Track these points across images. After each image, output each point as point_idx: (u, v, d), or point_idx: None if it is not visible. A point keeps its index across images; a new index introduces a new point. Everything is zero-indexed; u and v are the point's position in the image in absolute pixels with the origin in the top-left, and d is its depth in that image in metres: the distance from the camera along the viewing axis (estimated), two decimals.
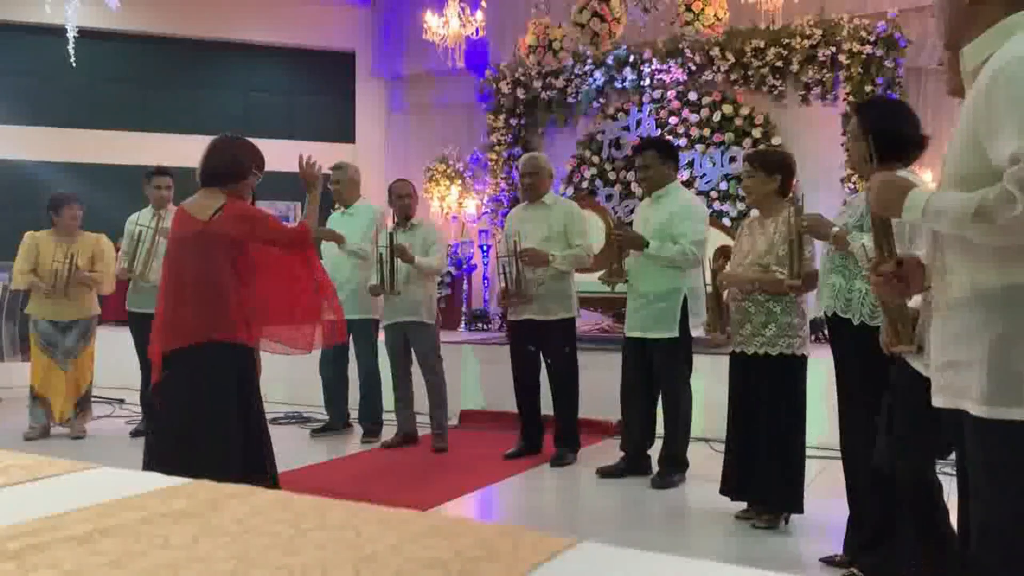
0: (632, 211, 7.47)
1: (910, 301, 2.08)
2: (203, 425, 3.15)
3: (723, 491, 3.70)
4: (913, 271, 1.95)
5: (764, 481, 3.51)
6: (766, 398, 3.50)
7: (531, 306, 4.72)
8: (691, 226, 4.20)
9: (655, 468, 4.35)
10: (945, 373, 1.79)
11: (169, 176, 5.65)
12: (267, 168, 3.54)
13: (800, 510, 3.51)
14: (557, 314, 4.73)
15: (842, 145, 6.52)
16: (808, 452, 3.61)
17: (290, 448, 5.17)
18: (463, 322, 8.38)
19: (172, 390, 3.20)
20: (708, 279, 3.81)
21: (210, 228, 3.20)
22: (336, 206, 5.65)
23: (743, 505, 3.69)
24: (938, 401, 1.83)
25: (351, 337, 5.43)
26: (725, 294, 3.75)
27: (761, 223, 3.61)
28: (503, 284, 4.76)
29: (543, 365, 4.88)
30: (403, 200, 5.21)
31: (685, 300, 4.22)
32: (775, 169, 3.59)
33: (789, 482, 3.49)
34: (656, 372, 4.31)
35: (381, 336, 5.49)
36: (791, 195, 3.63)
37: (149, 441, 3.46)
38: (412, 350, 5.21)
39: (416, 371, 5.25)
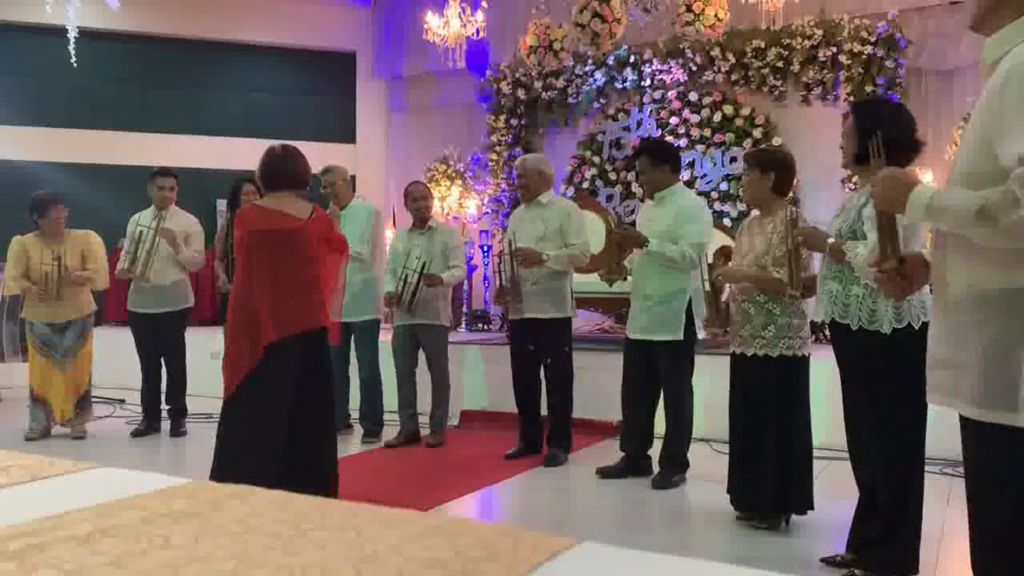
0: (633, 211, 7.48)
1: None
2: (325, 408, 3.55)
3: (729, 493, 3.69)
4: (916, 268, 1.95)
5: (770, 484, 3.49)
6: (768, 400, 3.49)
7: (527, 305, 4.75)
8: (691, 228, 4.20)
9: (655, 468, 4.36)
10: (939, 371, 1.79)
11: (173, 177, 5.64)
12: None
13: (808, 509, 3.50)
14: (552, 314, 4.74)
15: (842, 147, 6.52)
16: None
17: None
18: (464, 322, 8.38)
19: (270, 379, 3.35)
20: (705, 275, 3.82)
21: (311, 226, 3.50)
22: (331, 207, 5.64)
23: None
24: (932, 399, 1.83)
25: (352, 338, 5.44)
26: (725, 293, 3.74)
27: (760, 223, 3.61)
28: (498, 282, 4.81)
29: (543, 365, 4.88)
30: (419, 203, 5.22)
31: (689, 302, 4.22)
32: (769, 167, 3.57)
33: (795, 482, 3.47)
34: (659, 373, 4.31)
35: (382, 337, 5.50)
36: (790, 196, 3.62)
37: (228, 439, 3.43)
38: (421, 351, 5.23)
39: (419, 371, 5.26)
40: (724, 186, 7.48)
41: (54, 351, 5.45)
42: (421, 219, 5.23)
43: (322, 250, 3.56)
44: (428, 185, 5.42)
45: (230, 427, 3.40)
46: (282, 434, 3.36)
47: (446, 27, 7.76)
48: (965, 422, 1.71)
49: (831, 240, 2.95)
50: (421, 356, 5.28)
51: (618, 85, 8.07)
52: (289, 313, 3.40)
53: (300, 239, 3.46)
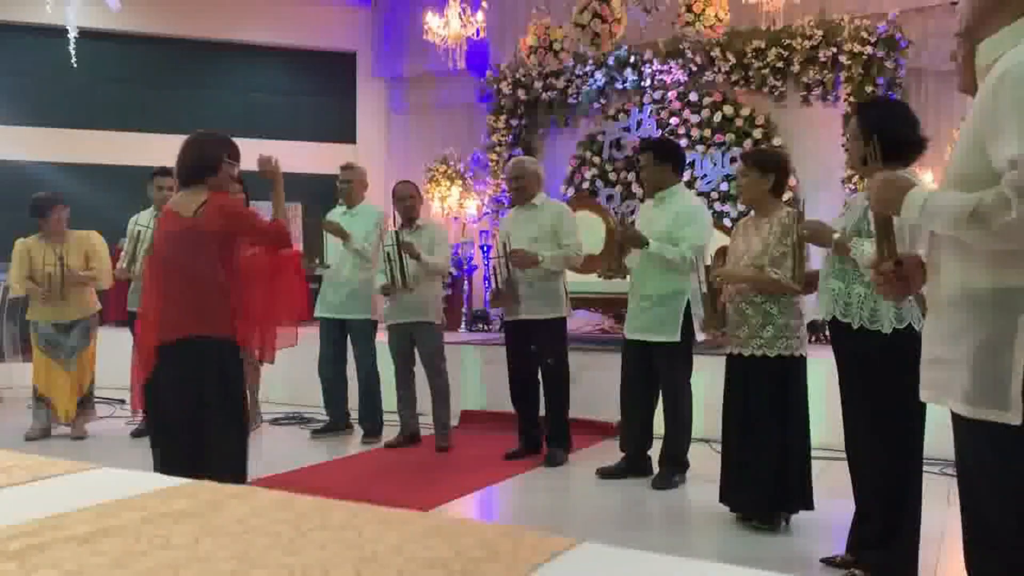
0: (633, 211, 7.48)
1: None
2: (189, 419, 3.20)
3: (723, 500, 3.69)
4: (914, 270, 1.96)
5: (764, 484, 3.50)
6: (765, 400, 3.49)
7: (523, 306, 4.76)
8: (692, 230, 4.20)
9: (655, 469, 4.36)
10: (932, 369, 1.81)
11: (172, 177, 5.64)
12: None
13: (808, 509, 3.50)
14: (546, 314, 4.76)
15: (843, 146, 6.53)
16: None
17: (291, 449, 5.18)
18: (464, 322, 8.38)
19: (161, 385, 3.26)
20: (702, 277, 3.82)
21: (196, 224, 3.24)
22: (340, 202, 5.64)
23: None
24: (924, 396, 1.85)
25: (350, 337, 5.44)
26: (723, 294, 3.75)
27: (756, 223, 3.61)
28: (494, 285, 4.83)
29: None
30: (405, 202, 5.22)
31: (688, 303, 4.22)
32: (769, 168, 3.58)
33: (794, 482, 3.47)
34: (657, 373, 4.31)
35: (380, 337, 5.49)
36: (790, 196, 3.63)
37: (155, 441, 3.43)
38: (416, 350, 5.22)
39: (418, 371, 5.25)
40: (724, 186, 7.48)
41: (58, 351, 5.45)
42: (409, 218, 5.24)
43: (221, 247, 3.26)
44: (416, 184, 5.40)
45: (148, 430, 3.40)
46: (185, 436, 3.19)
47: (446, 27, 7.76)
48: (957, 420, 1.72)
49: (836, 235, 2.95)
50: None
51: (618, 85, 8.07)
52: (174, 318, 3.22)
53: (186, 240, 3.24)
